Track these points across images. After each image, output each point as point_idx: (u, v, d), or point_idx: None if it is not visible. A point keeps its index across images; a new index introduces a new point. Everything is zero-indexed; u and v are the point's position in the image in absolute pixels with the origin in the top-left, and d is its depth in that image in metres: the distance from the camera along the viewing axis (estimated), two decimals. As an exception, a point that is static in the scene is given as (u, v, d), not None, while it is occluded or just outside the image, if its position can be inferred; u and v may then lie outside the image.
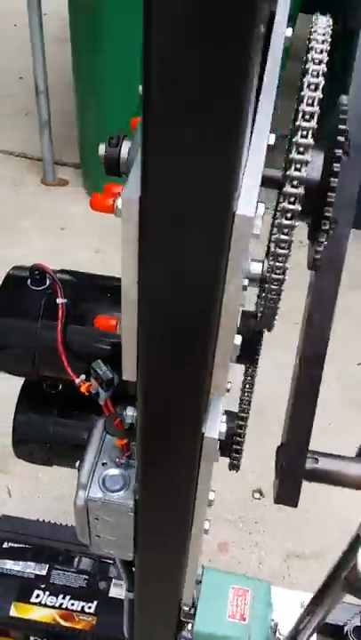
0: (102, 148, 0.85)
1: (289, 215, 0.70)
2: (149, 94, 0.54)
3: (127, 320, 0.72)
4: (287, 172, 0.68)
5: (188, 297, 0.67)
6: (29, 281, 1.03)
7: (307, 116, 0.68)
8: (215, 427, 0.83)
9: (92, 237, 3.47)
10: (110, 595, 1.70)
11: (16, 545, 1.75)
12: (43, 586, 1.71)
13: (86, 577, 1.72)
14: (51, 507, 2.37)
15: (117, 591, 1.69)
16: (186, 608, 1.21)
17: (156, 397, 0.79)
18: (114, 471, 0.99)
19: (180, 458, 0.86)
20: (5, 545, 1.75)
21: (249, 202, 0.62)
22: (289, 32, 0.88)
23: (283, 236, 0.71)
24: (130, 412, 0.91)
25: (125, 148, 0.84)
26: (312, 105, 0.68)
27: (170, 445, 0.85)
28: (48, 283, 1.03)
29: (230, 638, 1.19)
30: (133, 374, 0.77)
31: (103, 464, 1.01)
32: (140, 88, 0.55)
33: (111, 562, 1.76)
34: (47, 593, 1.69)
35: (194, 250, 0.63)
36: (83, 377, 1.01)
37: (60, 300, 1.00)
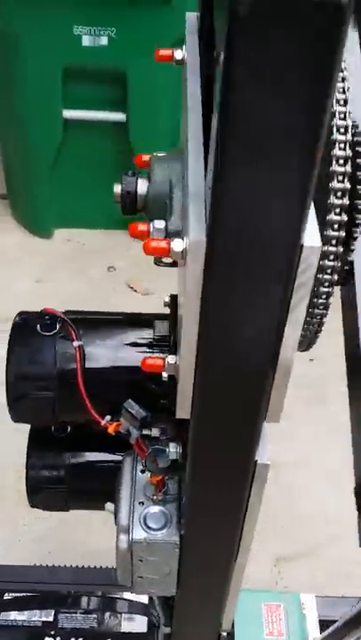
0: (117, 188, 0.85)
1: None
2: (224, 140, 0.54)
3: (185, 363, 0.71)
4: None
5: (253, 337, 0.67)
6: (39, 327, 1.01)
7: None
8: (265, 452, 0.83)
9: (31, 267, 3.41)
10: (123, 630, 1.67)
11: (18, 594, 1.70)
12: (52, 632, 1.66)
13: (95, 616, 1.69)
14: (33, 549, 2.31)
15: (130, 626, 1.66)
16: (224, 634, 1.20)
17: (211, 432, 0.78)
18: (153, 509, 0.98)
19: (232, 487, 0.86)
20: (7, 596, 1.69)
21: (312, 232, 0.62)
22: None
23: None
24: (173, 449, 0.90)
25: (142, 186, 0.83)
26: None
27: (222, 475, 0.85)
28: (58, 326, 1.01)
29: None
30: (188, 412, 0.77)
31: (140, 503, 0.99)
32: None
33: (118, 597, 1.73)
34: (58, 639, 1.65)
35: (263, 283, 0.63)
36: (108, 417, 1.00)
37: (76, 344, 0.98)
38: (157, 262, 1.22)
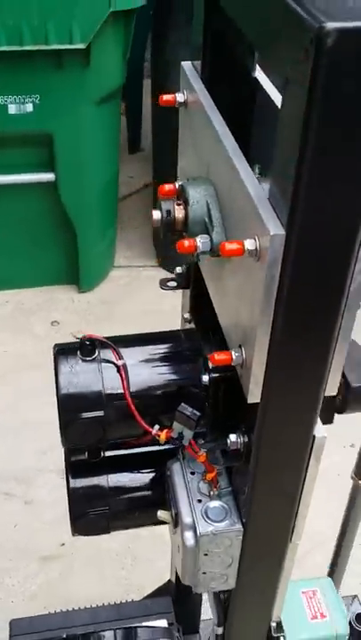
0: (157, 214, 0.95)
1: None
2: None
3: (260, 354, 0.82)
4: None
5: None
6: (79, 352, 1.08)
7: None
8: (320, 427, 0.94)
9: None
10: (150, 656, 1.70)
11: (43, 644, 1.70)
12: (83, 673, 1.67)
13: (122, 648, 1.71)
14: (29, 607, 2.29)
15: (156, 651, 1.70)
16: (274, 624, 1.28)
17: (279, 411, 0.89)
18: (212, 504, 1.06)
19: (293, 463, 0.96)
20: (33, 648, 1.69)
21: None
22: None
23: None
24: (235, 439, 0.99)
25: (180, 213, 0.94)
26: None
27: (285, 453, 0.95)
28: (97, 351, 1.09)
29: (325, 638, 1.28)
30: (259, 396, 0.87)
31: (198, 501, 1.07)
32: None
33: (135, 625, 1.76)
34: None
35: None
36: (157, 427, 1.08)
37: (120, 362, 1.07)
38: (163, 286, 1.33)
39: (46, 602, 2.31)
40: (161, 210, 0.95)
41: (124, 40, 2.87)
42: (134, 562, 2.38)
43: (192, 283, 1.27)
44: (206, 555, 1.06)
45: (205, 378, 1.06)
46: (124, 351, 1.09)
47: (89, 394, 1.07)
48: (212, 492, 1.07)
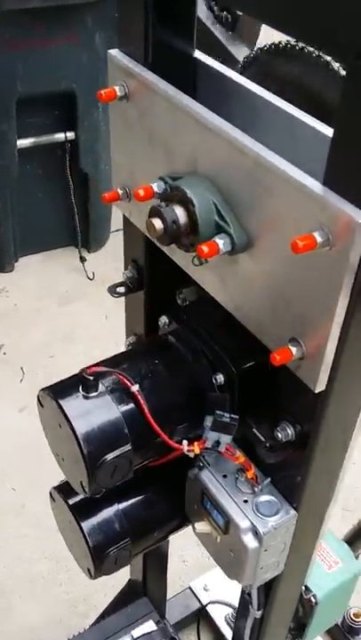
0: (158, 222, 0.88)
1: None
2: None
3: (331, 343, 0.80)
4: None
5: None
6: (83, 389, 0.98)
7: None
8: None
9: None
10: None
11: None
12: None
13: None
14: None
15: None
16: (303, 588, 1.31)
17: (342, 398, 0.89)
18: (260, 499, 1.04)
19: (344, 442, 0.98)
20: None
21: None
22: None
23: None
24: (290, 430, 0.96)
25: (183, 218, 0.87)
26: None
27: (341, 433, 0.96)
28: (100, 385, 1.00)
29: (346, 581, 1.33)
30: (324, 384, 0.86)
31: (245, 501, 1.04)
32: None
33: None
34: None
35: None
36: (185, 443, 1.02)
37: (134, 389, 0.99)
38: (113, 293, 1.25)
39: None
40: (164, 219, 0.87)
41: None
42: (69, 575, 2.28)
43: (148, 285, 1.21)
44: (266, 550, 1.04)
45: (221, 377, 1.02)
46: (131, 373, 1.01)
47: (112, 431, 0.98)
48: (256, 489, 1.04)
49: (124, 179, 1.09)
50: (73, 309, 3.24)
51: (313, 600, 1.32)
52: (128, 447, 0.99)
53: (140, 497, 1.18)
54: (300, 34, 0.75)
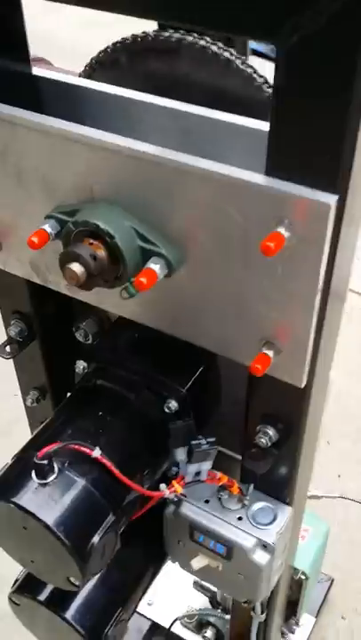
0: (76, 267, 0.75)
1: None
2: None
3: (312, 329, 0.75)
4: None
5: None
6: (39, 476, 0.84)
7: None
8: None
9: None
10: None
11: None
12: None
13: None
14: None
15: None
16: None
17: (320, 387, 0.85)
18: (253, 510, 0.98)
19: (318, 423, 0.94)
20: None
21: None
22: None
23: None
24: (271, 432, 0.90)
25: (101, 252, 0.76)
26: None
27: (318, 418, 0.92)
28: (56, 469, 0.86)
29: (321, 545, 1.33)
30: (306, 377, 0.80)
31: (239, 519, 0.97)
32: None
33: None
34: None
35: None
36: (163, 486, 0.93)
37: (96, 453, 0.86)
38: (2, 354, 1.10)
39: None
40: (81, 258, 0.74)
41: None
42: None
43: (42, 332, 1.07)
44: (275, 557, 0.99)
45: (173, 403, 0.94)
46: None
47: (88, 509, 0.86)
48: (245, 501, 0.98)
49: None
50: None
51: (303, 577, 1.30)
52: (111, 517, 0.87)
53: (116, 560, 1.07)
54: (218, 23, 0.64)
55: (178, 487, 0.92)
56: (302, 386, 0.80)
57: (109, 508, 0.87)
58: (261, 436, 0.90)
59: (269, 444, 0.90)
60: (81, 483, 0.85)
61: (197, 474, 0.93)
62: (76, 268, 0.75)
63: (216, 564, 1.01)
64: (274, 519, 0.97)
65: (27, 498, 0.84)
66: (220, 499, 0.99)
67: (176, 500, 0.99)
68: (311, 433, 0.93)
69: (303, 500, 1.07)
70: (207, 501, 0.99)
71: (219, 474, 0.96)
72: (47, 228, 0.80)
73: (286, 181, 0.66)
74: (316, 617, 2.10)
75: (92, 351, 1.02)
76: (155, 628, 2.06)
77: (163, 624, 2.03)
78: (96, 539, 0.85)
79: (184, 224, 0.75)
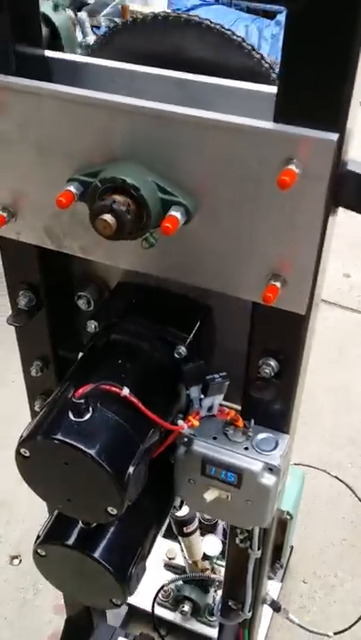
0: (111, 218, 0.86)
1: None
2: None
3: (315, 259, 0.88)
4: None
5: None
6: (76, 415, 0.94)
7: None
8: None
9: None
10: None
11: None
12: None
13: None
14: None
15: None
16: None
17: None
18: (256, 440, 1.09)
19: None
20: None
21: None
22: None
23: None
24: (273, 363, 1.02)
25: (132, 205, 0.87)
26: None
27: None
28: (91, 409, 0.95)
29: (299, 486, 1.45)
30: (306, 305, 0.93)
31: (245, 448, 1.09)
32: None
33: None
34: None
35: None
36: (181, 422, 1.04)
37: (125, 392, 0.96)
38: (16, 322, 1.19)
39: None
40: (115, 212, 0.85)
41: None
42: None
43: (48, 301, 1.16)
44: (279, 480, 1.11)
45: (182, 349, 1.05)
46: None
47: (123, 441, 0.95)
48: (250, 433, 1.09)
49: (4, 199, 1.02)
50: None
51: (288, 517, 1.42)
52: (142, 449, 0.97)
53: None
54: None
55: (194, 421, 1.03)
56: (304, 313, 0.93)
57: (139, 441, 0.97)
58: (265, 367, 1.03)
59: (272, 374, 1.03)
60: (114, 418, 0.95)
61: (210, 409, 1.04)
62: (109, 218, 0.86)
63: (226, 494, 1.12)
64: (276, 446, 1.09)
65: (69, 433, 0.93)
66: (226, 434, 1.10)
67: (185, 440, 1.10)
68: (305, 361, 1.05)
69: (294, 430, 1.19)
70: (215, 438, 1.10)
71: (227, 409, 1.08)
72: (71, 188, 0.90)
73: (293, 125, 0.80)
74: (281, 582, 2.24)
75: (102, 311, 1.12)
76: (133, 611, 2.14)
77: (141, 607, 2.11)
78: (131, 469, 0.95)
79: (200, 174, 0.87)
